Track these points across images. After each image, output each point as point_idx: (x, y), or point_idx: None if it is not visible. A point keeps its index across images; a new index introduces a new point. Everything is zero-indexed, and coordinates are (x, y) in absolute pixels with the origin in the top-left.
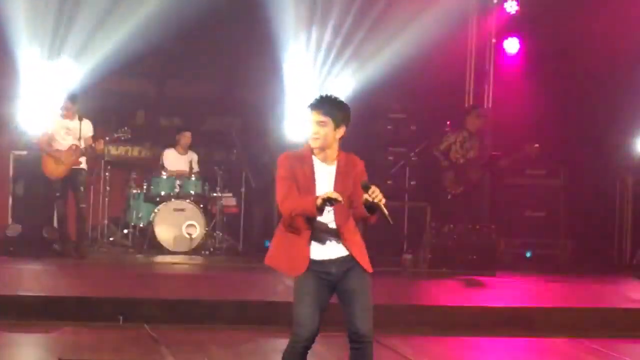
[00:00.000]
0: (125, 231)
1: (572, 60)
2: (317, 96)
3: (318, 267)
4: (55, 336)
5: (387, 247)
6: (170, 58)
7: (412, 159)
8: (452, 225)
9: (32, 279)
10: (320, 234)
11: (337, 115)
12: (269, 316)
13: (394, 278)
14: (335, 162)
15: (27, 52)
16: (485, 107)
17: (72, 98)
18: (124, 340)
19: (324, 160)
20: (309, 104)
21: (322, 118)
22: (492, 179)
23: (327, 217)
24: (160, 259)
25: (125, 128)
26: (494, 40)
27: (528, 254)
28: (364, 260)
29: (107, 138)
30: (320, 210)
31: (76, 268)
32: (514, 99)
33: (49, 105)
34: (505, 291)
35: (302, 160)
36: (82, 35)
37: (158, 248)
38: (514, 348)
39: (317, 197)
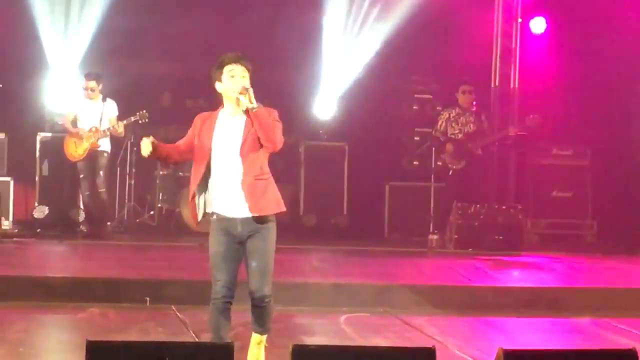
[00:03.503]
0: (152, 212)
1: (598, 39)
2: (232, 53)
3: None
4: (82, 317)
5: (413, 228)
6: (196, 39)
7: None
8: (477, 206)
9: (59, 260)
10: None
11: (251, 69)
12: (296, 296)
13: (420, 258)
14: (245, 115)
15: (53, 33)
16: (511, 87)
17: (95, 77)
18: (151, 322)
19: (234, 114)
20: (231, 58)
21: (245, 71)
22: (519, 159)
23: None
24: (186, 240)
25: (143, 111)
26: (520, 20)
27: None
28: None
29: (124, 122)
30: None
31: (103, 249)
32: (540, 79)
33: (74, 85)
34: (531, 271)
35: (210, 116)
36: (106, 17)
37: (184, 229)
38: (540, 328)
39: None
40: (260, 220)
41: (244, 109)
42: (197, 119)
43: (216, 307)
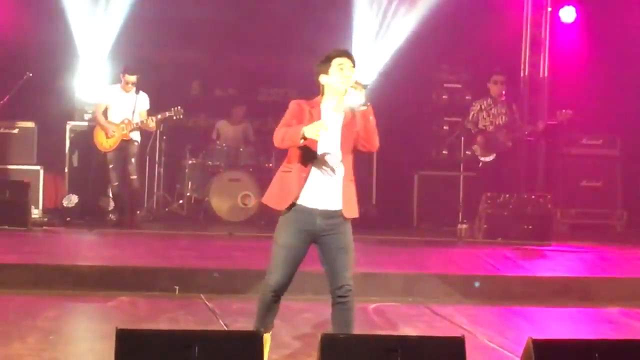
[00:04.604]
0: (181, 201)
1: (628, 28)
2: (339, 48)
3: (303, 216)
4: (112, 306)
5: (442, 217)
6: (225, 28)
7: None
8: (507, 195)
9: (88, 249)
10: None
11: (356, 66)
12: (325, 286)
13: (449, 248)
14: (343, 112)
15: (83, 22)
16: (540, 76)
17: (137, 72)
18: (180, 310)
19: (336, 109)
20: (341, 52)
21: (353, 66)
22: (548, 148)
23: (331, 164)
24: (215, 229)
25: (178, 107)
26: (550, 9)
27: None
28: (352, 213)
29: (159, 116)
30: (306, 137)
31: (132, 238)
32: (569, 68)
33: (104, 74)
34: (560, 261)
35: (312, 106)
36: (135, 6)
37: (213, 218)
38: (569, 318)
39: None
40: (341, 214)
41: (352, 105)
42: (302, 105)
43: (266, 298)
